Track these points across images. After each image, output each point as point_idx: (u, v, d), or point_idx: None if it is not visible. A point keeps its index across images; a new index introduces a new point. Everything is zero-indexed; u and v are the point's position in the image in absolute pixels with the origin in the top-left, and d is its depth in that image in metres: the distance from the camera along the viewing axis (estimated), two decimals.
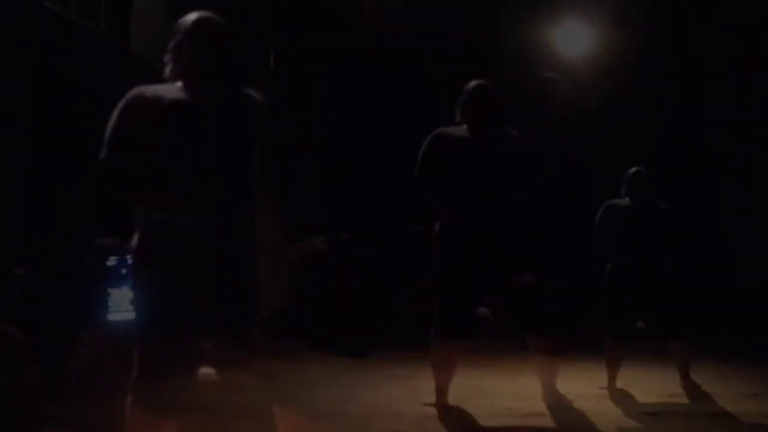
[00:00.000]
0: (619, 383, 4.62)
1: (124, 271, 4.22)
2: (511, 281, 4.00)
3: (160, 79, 2.62)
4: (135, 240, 2.57)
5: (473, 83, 4.14)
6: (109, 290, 4.20)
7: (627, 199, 4.77)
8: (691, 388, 4.54)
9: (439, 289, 4.06)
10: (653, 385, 4.63)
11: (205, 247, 2.49)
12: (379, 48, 7.81)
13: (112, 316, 4.14)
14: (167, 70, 2.63)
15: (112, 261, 4.26)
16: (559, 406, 4.08)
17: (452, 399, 4.13)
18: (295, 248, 6.27)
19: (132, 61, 5.89)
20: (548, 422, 3.94)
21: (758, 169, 7.77)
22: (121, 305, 4.24)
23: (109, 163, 2.53)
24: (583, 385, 4.56)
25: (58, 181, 5.09)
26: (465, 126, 4.10)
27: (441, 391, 4.10)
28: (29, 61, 5.03)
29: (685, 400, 4.34)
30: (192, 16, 2.63)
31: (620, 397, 4.41)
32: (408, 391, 4.44)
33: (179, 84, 2.60)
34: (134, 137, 2.50)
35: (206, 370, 3.48)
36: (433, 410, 4.04)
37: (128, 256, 2.91)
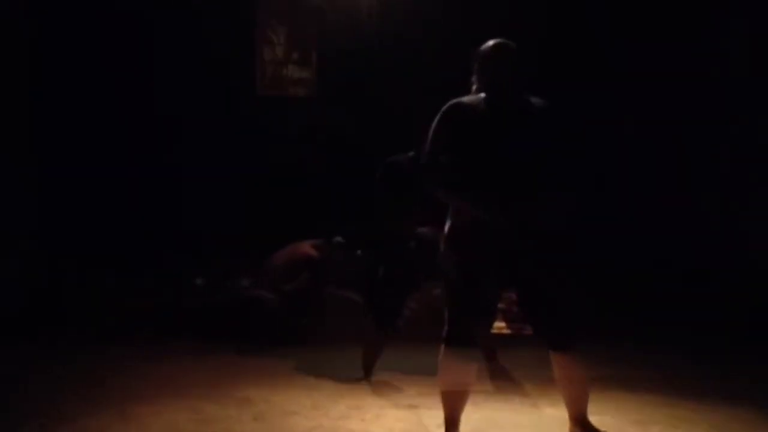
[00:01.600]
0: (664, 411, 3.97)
1: None
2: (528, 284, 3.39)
3: None
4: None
5: (491, 42, 3.45)
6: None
7: None
8: None
9: (450, 299, 3.43)
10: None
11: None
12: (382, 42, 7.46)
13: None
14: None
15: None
16: None
17: None
18: (276, 255, 5.73)
19: None
20: None
21: None
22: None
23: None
24: (618, 417, 3.90)
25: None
26: (483, 95, 3.40)
27: (451, 423, 3.44)
28: None
29: None
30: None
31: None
32: (412, 423, 3.82)
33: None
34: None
35: None
36: None
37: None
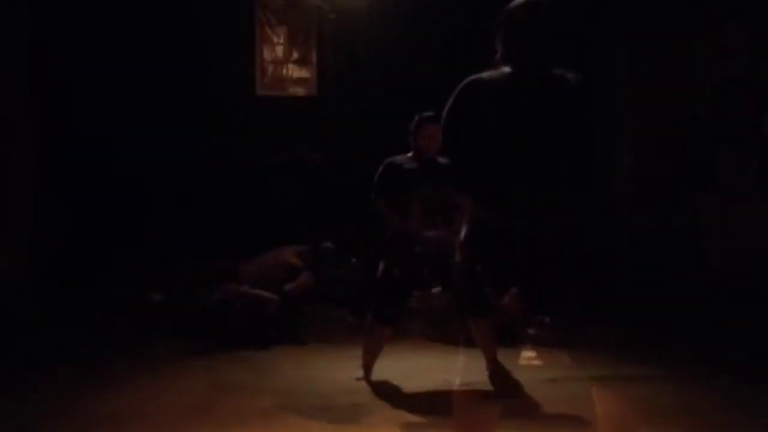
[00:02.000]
0: None
1: None
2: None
3: None
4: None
5: (518, 1, 2.76)
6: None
7: None
8: None
9: (455, 304, 3.36)
10: None
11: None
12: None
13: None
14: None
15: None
16: None
17: None
18: (260, 260, 5.45)
19: None
20: None
21: None
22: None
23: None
24: None
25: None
26: (506, 70, 2.78)
27: None
28: None
29: None
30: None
31: None
32: None
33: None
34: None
35: None
36: None
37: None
